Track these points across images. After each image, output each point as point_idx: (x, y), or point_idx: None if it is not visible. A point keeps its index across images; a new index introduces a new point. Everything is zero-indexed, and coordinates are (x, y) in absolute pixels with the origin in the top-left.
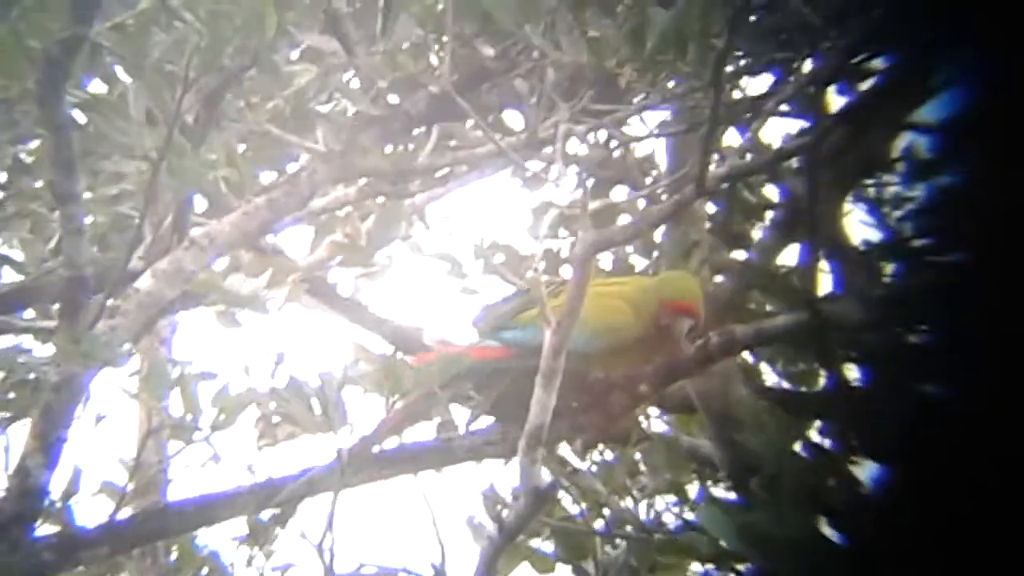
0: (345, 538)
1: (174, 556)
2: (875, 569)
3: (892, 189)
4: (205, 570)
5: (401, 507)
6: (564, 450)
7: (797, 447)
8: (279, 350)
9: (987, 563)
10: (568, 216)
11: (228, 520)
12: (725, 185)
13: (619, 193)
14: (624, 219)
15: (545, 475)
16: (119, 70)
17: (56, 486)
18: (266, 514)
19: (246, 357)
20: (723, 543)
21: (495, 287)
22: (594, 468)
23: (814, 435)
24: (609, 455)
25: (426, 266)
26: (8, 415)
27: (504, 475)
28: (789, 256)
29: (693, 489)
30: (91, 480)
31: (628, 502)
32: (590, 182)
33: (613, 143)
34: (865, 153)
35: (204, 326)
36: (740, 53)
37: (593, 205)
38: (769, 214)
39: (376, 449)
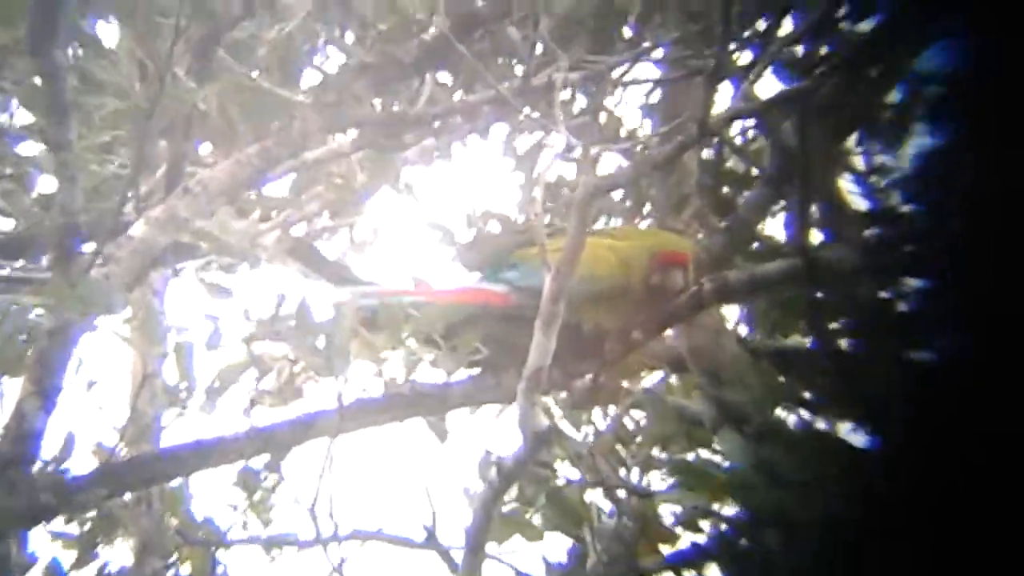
0: (339, 502)
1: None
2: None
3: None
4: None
5: (394, 472)
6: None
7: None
8: (280, 293)
9: (976, 526)
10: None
11: (224, 464)
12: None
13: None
14: None
15: (543, 419)
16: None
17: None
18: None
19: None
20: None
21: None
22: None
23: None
24: (601, 425)
25: (417, 234)
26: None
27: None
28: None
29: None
30: (85, 434)
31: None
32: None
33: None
34: (858, 103)
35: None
36: None
37: (594, 150)
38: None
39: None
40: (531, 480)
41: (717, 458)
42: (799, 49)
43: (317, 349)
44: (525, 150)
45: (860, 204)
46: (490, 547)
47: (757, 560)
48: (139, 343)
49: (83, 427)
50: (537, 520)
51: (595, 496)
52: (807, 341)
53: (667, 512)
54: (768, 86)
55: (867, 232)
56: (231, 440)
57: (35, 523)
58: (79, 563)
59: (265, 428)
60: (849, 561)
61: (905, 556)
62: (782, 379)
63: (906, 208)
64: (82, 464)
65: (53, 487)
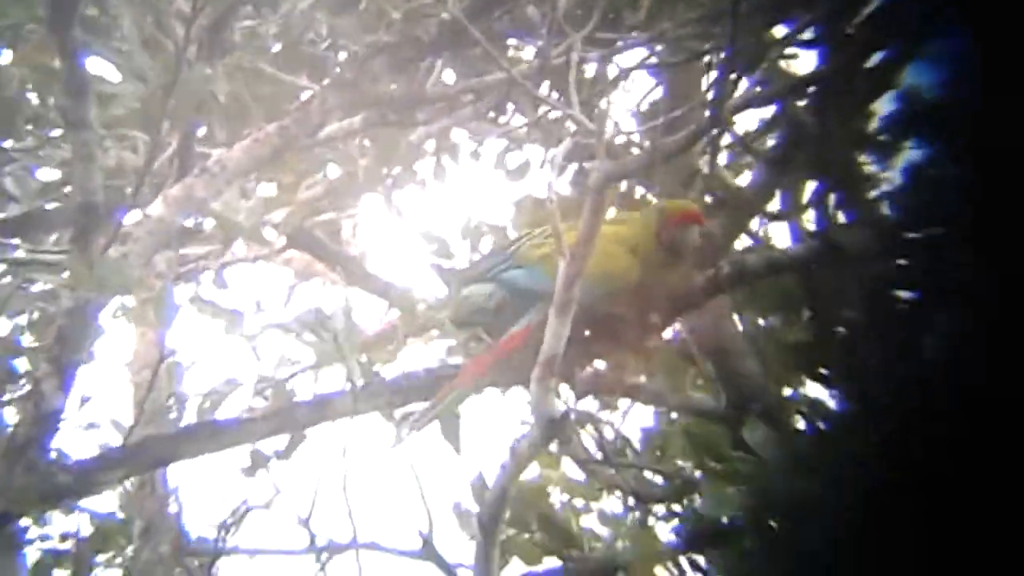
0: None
1: None
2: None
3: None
4: None
5: (390, 480)
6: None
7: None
8: (290, 284)
9: (975, 520)
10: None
11: (239, 445)
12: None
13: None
14: None
15: (558, 405)
16: None
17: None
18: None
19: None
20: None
21: None
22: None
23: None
24: (609, 434)
25: (412, 247)
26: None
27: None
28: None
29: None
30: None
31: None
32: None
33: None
34: (870, 87)
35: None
36: None
37: (608, 135)
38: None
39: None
40: (527, 504)
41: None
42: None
43: (327, 337)
44: (516, 165)
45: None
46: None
47: (786, 544)
48: (150, 323)
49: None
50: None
51: (590, 521)
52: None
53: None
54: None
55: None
56: (246, 421)
57: (53, 504)
58: None
59: (280, 409)
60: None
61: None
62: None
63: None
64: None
65: (71, 468)
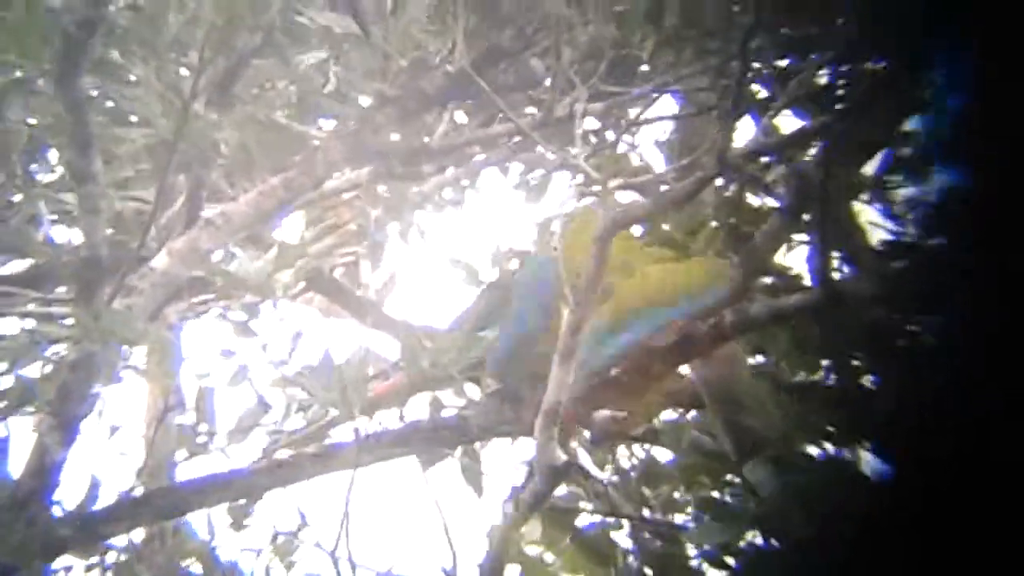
0: (357, 543)
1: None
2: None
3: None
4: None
5: (412, 512)
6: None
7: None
8: (296, 331)
9: (994, 555)
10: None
11: (244, 498)
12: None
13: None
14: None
15: (560, 453)
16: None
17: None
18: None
19: (259, 351)
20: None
21: None
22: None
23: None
24: (625, 463)
25: (439, 274)
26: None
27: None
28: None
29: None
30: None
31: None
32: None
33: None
34: (874, 137)
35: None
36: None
37: (613, 183)
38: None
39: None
40: (555, 522)
41: (740, 493)
42: (820, 83)
43: (333, 386)
44: (537, 181)
45: (880, 236)
46: None
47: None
48: (156, 377)
49: (102, 463)
50: (558, 562)
51: (619, 536)
52: (821, 373)
53: (691, 551)
54: (788, 121)
55: (887, 264)
56: (250, 473)
57: (54, 557)
58: None
59: (285, 461)
60: None
61: None
62: (799, 408)
63: (925, 240)
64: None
65: (72, 521)
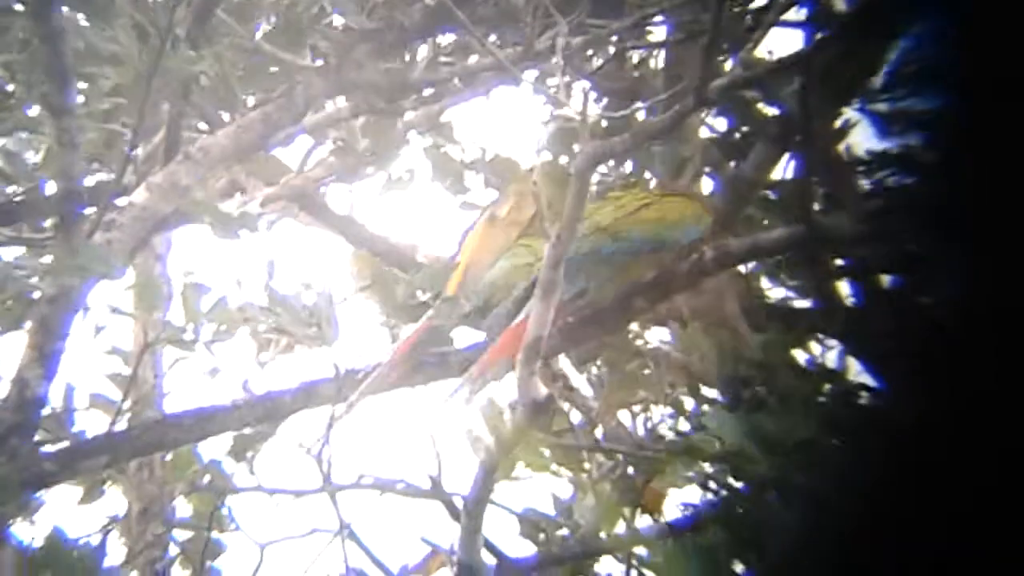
0: (343, 450)
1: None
2: (876, 476)
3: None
4: (207, 477)
5: (399, 420)
6: (563, 364)
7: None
8: (270, 261)
9: (986, 475)
10: (569, 128)
11: (226, 431)
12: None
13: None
14: None
15: (542, 388)
16: None
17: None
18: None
19: (240, 270)
20: (729, 445)
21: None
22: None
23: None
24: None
25: (425, 181)
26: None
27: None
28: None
29: (689, 403)
30: (86, 395)
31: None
32: (592, 94)
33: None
34: (859, 66)
35: (200, 239)
36: None
37: (592, 117)
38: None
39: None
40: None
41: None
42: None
43: (308, 320)
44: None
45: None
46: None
47: (756, 525)
48: (141, 310)
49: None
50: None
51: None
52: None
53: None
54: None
55: (868, 199)
56: (233, 407)
57: (37, 491)
58: (86, 498)
59: (266, 395)
60: (851, 525)
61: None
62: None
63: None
64: (85, 417)
65: (54, 455)
